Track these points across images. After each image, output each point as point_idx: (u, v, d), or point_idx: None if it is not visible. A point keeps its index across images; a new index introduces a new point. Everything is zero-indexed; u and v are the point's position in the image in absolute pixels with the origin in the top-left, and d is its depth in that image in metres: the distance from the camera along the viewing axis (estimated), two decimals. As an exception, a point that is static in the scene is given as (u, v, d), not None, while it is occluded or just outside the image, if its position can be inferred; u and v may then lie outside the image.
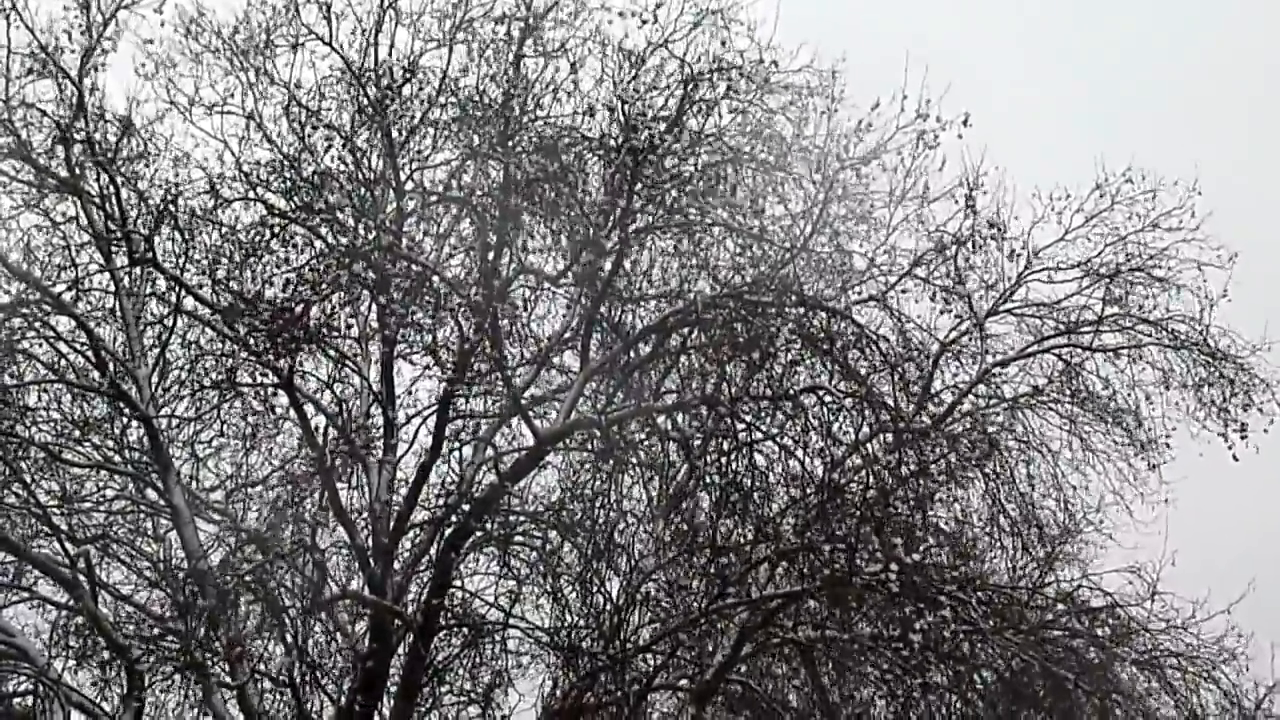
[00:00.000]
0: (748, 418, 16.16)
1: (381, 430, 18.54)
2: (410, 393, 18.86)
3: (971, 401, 18.05)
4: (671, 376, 17.43)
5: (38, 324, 18.28)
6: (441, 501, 18.15)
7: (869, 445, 16.87)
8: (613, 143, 16.68)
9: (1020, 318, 18.23)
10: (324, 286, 18.08)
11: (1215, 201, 18.22)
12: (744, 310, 16.47)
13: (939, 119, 16.65)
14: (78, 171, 18.26)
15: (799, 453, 16.12)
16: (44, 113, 18.35)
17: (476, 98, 18.61)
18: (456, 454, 18.40)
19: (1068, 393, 18.50)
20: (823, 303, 16.73)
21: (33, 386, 18.69)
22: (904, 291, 17.42)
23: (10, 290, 18.25)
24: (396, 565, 18.04)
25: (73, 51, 18.37)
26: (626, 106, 16.46)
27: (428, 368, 17.93)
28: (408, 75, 19.10)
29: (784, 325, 16.38)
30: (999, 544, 17.89)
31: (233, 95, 19.24)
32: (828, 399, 16.21)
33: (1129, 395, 18.47)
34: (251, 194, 18.58)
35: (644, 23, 17.48)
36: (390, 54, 19.23)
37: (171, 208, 18.04)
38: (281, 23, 19.35)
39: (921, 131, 16.66)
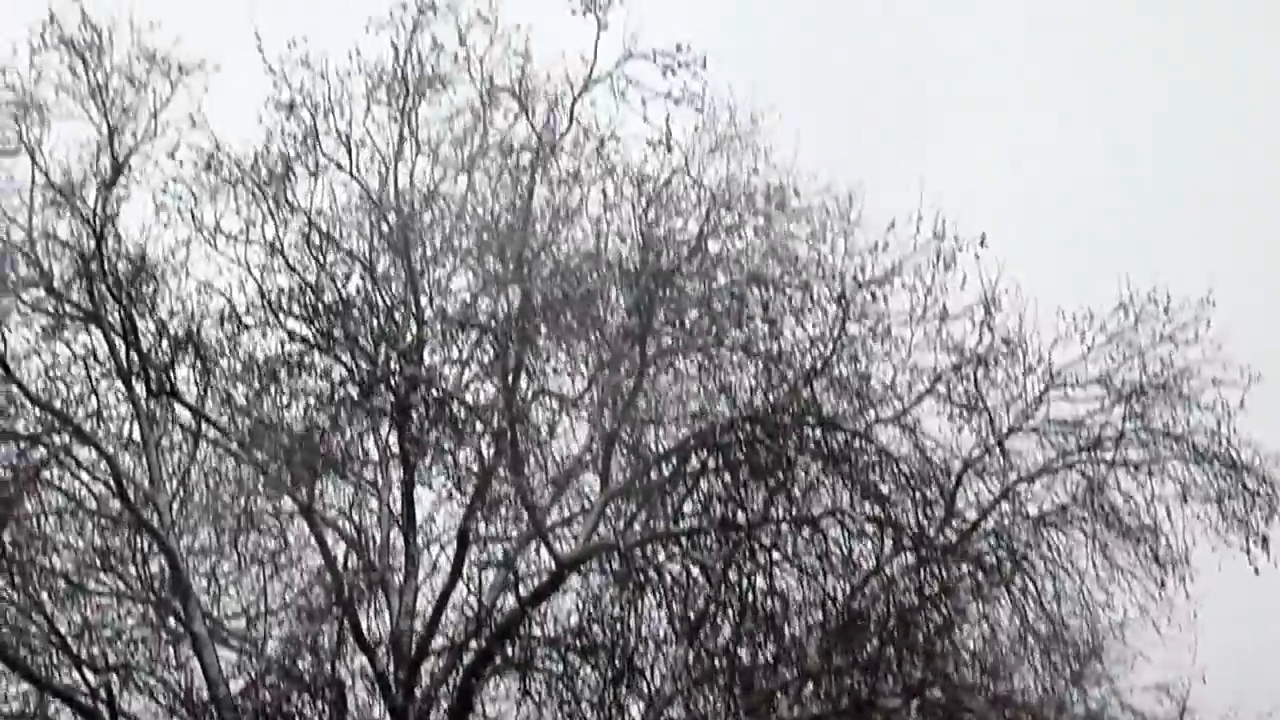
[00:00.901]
0: (768, 541, 16.13)
1: (402, 556, 18.51)
2: (432, 519, 18.78)
3: (995, 520, 17.94)
4: (691, 499, 17.42)
5: (60, 454, 18.33)
6: (462, 628, 18.12)
7: (890, 567, 16.89)
8: (632, 267, 16.82)
9: (1042, 435, 18.17)
10: (344, 414, 18.23)
11: (1231, 315, 18.26)
12: (764, 432, 16.52)
13: (955, 239, 16.76)
14: (98, 303, 18.36)
15: (820, 576, 16.08)
16: (66, 244, 18.51)
17: (493, 224, 18.78)
18: (477, 579, 18.36)
19: (1090, 509, 18.38)
20: (842, 424, 16.75)
21: (54, 516, 18.74)
22: (936, 414, 17.35)
23: (32, 421, 18.30)
24: (417, 693, 17.94)
25: (91, 190, 18.52)
26: (647, 232, 16.62)
27: (450, 496, 17.92)
28: (427, 203, 19.33)
29: (804, 447, 16.43)
30: (1027, 662, 17.73)
31: (254, 224, 19.38)
32: (848, 521, 16.20)
33: (1151, 510, 18.36)
34: (272, 321, 18.74)
35: (668, 150, 17.69)
36: (410, 182, 19.46)
37: (191, 338, 18.19)
38: (302, 151, 19.56)
39: (938, 251, 16.73)
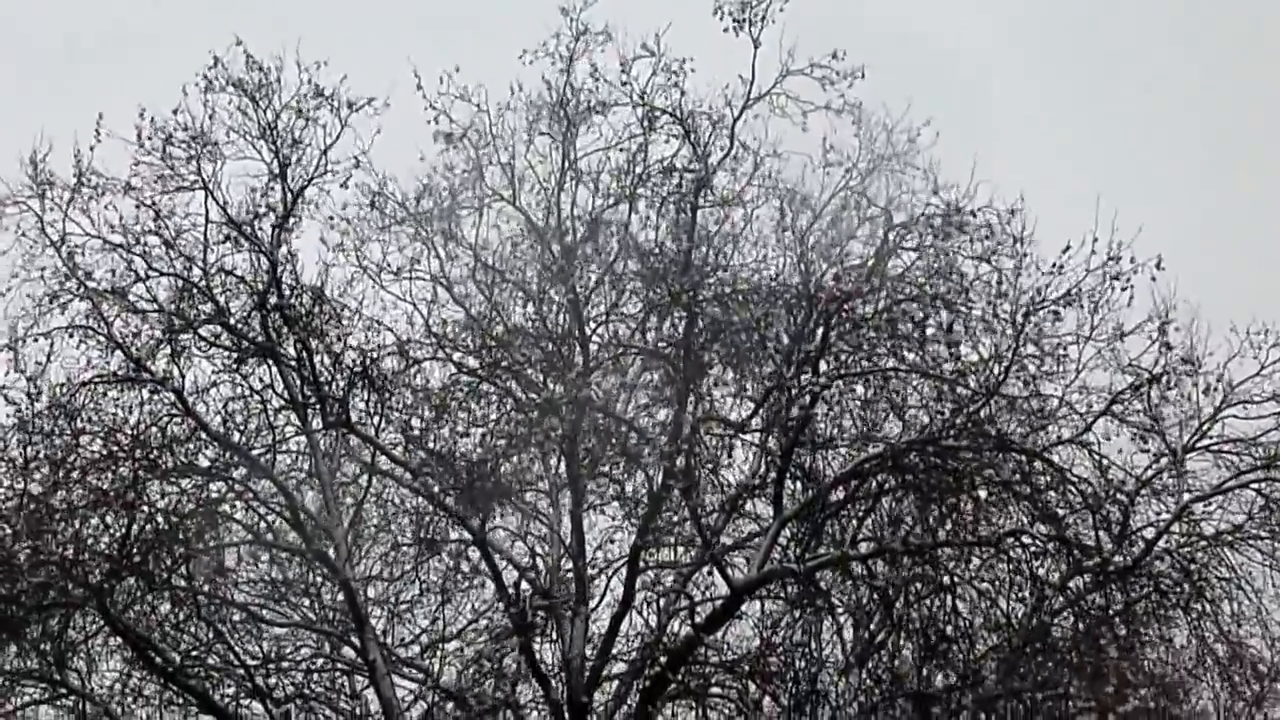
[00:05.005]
0: (949, 564, 16.11)
1: (574, 583, 18.62)
2: (612, 542, 18.89)
3: (1171, 539, 17.74)
4: (868, 522, 17.43)
5: (238, 487, 18.62)
6: (636, 654, 18.21)
7: (1070, 586, 16.82)
8: (805, 290, 16.88)
9: (1217, 453, 17.96)
10: (515, 442, 18.37)
11: None
12: (939, 455, 16.50)
13: (1132, 260, 16.58)
14: (274, 337, 18.60)
15: (1000, 599, 16.05)
16: (241, 279, 18.75)
17: (657, 250, 18.89)
18: (650, 605, 18.44)
19: (1268, 529, 18.12)
20: (1019, 445, 16.66)
21: (233, 549, 19.08)
22: (1106, 436, 17.15)
23: (211, 456, 18.61)
24: (592, 720, 18.07)
25: (265, 227, 18.72)
26: (814, 253, 16.70)
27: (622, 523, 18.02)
28: (590, 230, 19.49)
29: (981, 469, 16.39)
30: (1206, 684, 17.55)
31: (419, 261, 19.64)
32: (1029, 542, 16.15)
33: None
34: (441, 353, 18.94)
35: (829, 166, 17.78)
36: (572, 211, 19.65)
37: (366, 371, 18.38)
38: (465, 185, 19.83)
39: (1116, 274, 16.56)
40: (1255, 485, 18.09)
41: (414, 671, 19.20)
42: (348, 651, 19.18)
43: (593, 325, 19.13)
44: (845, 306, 16.41)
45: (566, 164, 19.70)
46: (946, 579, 16.30)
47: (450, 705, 18.17)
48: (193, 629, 18.49)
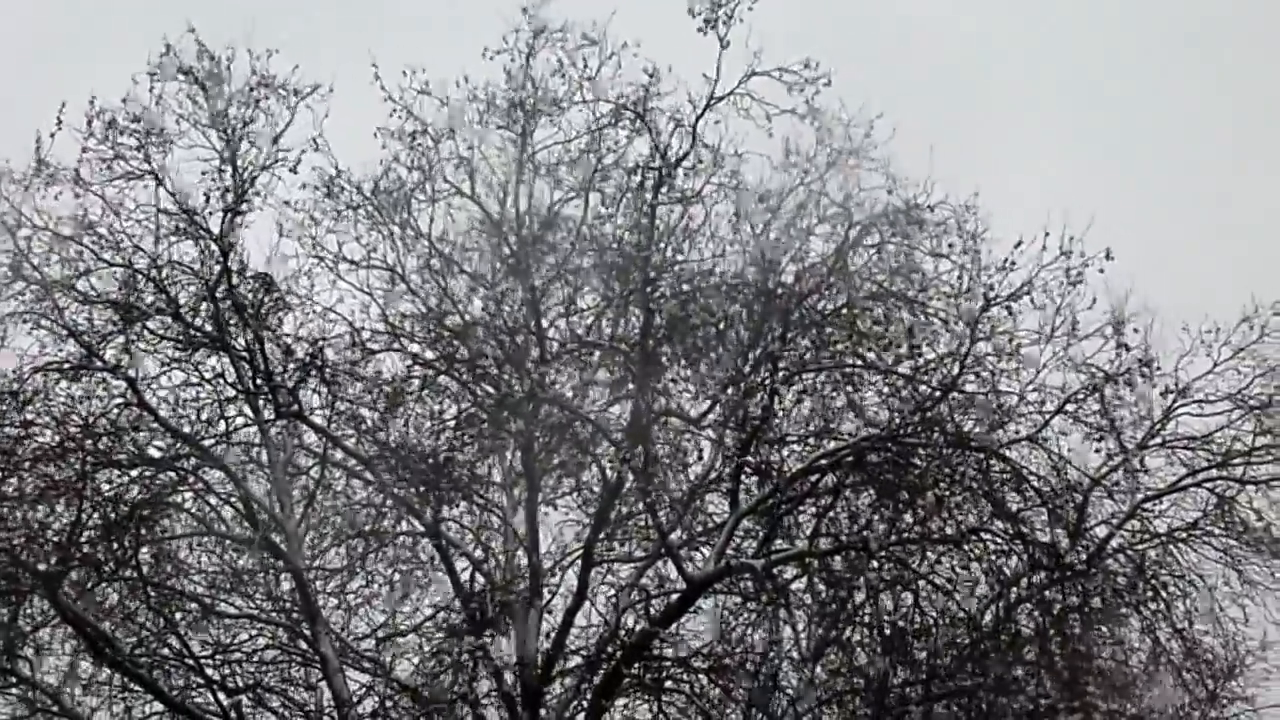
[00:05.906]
0: (909, 559, 16.15)
1: (528, 577, 18.54)
2: (577, 541, 18.78)
3: (1124, 537, 17.84)
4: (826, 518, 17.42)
5: (189, 478, 18.43)
6: (590, 648, 18.15)
7: (1024, 583, 16.88)
8: (766, 286, 16.85)
9: (1171, 451, 18.05)
10: (469, 435, 18.30)
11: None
12: (896, 452, 16.51)
13: (1084, 255, 16.68)
14: (224, 327, 18.43)
15: (959, 595, 16.08)
16: (191, 270, 18.56)
17: (615, 245, 18.82)
18: (605, 599, 18.41)
19: (1221, 526, 18.23)
20: (976, 442, 16.69)
21: (185, 539, 18.89)
22: (1061, 433, 17.22)
23: (162, 445, 18.42)
24: (544, 713, 17.97)
25: (214, 213, 18.53)
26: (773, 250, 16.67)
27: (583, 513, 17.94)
28: (547, 225, 19.40)
29: (938, 466, 16.41)
30: (1160, 682, 17.62)
31: (375, 250, 19.52)
32: (989, 539, 16.20)
33: (1282, 525, 18.14)
34: (396, 345, 18.83)
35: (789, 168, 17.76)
36: (529, 204, 19.55)
37: (317, 361, 18.24)
38: (421, 177, 19.68)
39: (1067, 268, 16.65)
40: (1208, 483, 18.21)
41: (368, 665, 19.04)
42: (301, 644, 19.01)
43: (549, 319, 19.07)
44: (804, 304, 16.39)
45: (524, 157, 19.64)
46: (907, 574, 16.29)
47: (405, 700, 18.03)
48: (144, 619, 18.30)
